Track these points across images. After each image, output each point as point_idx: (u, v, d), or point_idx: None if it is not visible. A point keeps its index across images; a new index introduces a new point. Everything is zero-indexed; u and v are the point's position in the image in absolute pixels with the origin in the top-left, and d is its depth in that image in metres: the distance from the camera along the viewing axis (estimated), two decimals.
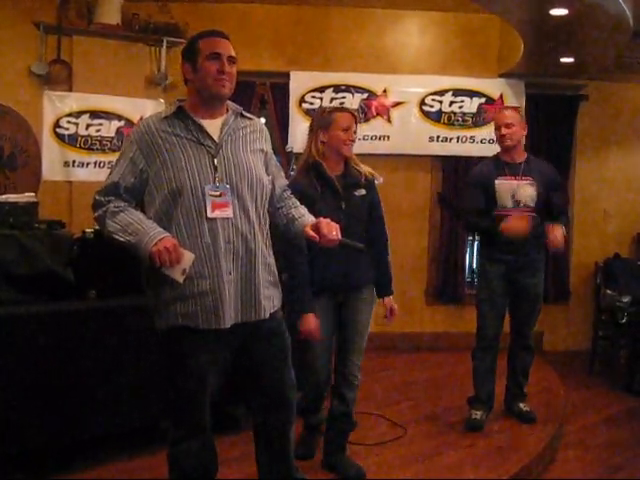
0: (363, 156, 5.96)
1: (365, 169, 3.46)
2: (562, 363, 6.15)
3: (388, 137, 6.26)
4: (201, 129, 2.56)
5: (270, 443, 2.78)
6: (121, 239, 2.48)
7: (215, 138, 2.57)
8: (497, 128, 4.33)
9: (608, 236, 6.70)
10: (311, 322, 3.26)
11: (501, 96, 6.33)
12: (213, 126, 2.59)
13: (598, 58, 5.70)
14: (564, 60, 5.68)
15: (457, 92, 6.31)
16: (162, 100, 6.00)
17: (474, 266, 6.77)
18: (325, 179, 3.31)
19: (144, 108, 5.91)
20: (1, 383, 3.22)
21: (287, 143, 6.02)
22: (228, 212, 2.53)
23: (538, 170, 4.33)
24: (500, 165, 4.31)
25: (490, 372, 4.38)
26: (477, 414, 4.30)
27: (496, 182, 4.24)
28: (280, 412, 2.75)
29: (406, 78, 6.29)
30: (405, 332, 6.42)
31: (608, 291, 6.09)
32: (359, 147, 6.06)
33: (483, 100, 6.30)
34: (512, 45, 5.77)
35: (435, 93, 6.30)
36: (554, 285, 6.58)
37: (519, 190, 4.23)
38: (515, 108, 4.54)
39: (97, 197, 2.56)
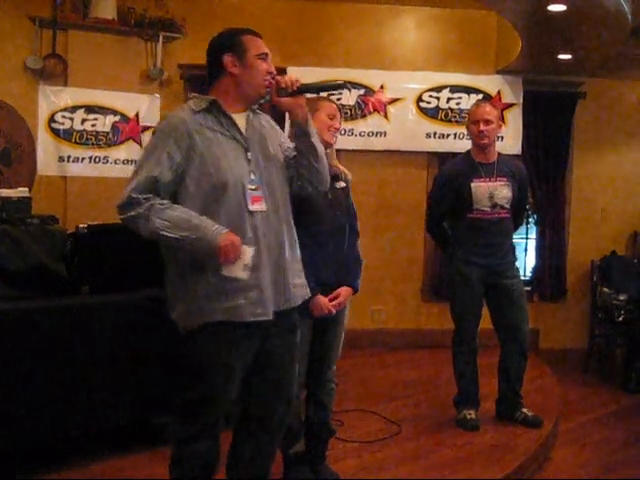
0: (360, 152, 6.05)
1: (339, 165, 3.36)
2: (558, 361, 6.14)
3: (385, 133, 6.24)
4: (234, 123, 2.56)
5: (263, 439, 2.72)
6: (174, 236, 2.40)
7: (243, 131, 2.58)
8: (474, 123, 4.17)
9: (605, 234, 6.69)
10: (323, 302, 3.14)
11: (499, 93, 6.31)
12: (240, 120, 2.59)
13: (596, 55, 5.68)
14: (562, 57, 5.66)
15: (454, 88, 6.29)
16: (157, 95, 5.97)
17: None
18: None
19: (140, 103, 5.90)
20: None
21: None
22: (263, 205, 2.55)
23: (511, 170, 4.25)
24: (474, 165, 4.20)
25: (475, 373, 4.33)
26: (471, 414, 4.26)
27: (472, 185, 4.14)
28: (284, 406, 2.73)
29: (403, 74, 6.27)
30: (401, 329, 6.42)
31: (604, 289, 6.09)
32: (356, 143, 6.14)
33: (480, 97, 6.25)
34: (510, 41, 5.75)
35: (432, 89, 6.28)
36: (550, 283, 6.57)
37: (496, 192, 4.15)
38: (494, 104, 4.44)
39: (133, 195, 2.42)
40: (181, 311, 2.54)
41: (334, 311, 3.19)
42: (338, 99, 6.03)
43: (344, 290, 3.24)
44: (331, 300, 3.19)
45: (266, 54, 2.58)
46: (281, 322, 2.62)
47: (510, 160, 4.39)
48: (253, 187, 2.52)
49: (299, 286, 2.69)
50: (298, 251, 2.72)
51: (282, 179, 2.66)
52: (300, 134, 2.64)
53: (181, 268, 2.52)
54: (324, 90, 2.77)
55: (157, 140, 2.50)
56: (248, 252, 2.45)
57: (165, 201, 2.44)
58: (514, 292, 4.25)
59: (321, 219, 3.16)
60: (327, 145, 3.22)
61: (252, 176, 2.53)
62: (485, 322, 4.36)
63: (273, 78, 2.56)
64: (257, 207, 2.52)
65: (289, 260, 2.63)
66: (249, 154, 2.56)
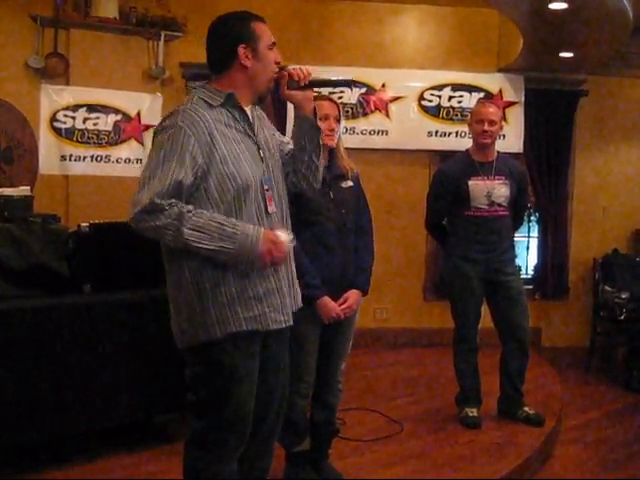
0: (361, 151, 6.04)
1: (349, 163, 3.32)
2: (560, 359, 6.14)
3: (386, 132, 6.24)
4: (247, 119, 2.42)
5: (261, 439, 2.61)
6: (209, 247, 2.21)
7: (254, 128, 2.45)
8: (478, 122, 4.18)
9: (607, 232, 6.68)
10: (330, 305, 3.11)
11: (500, 91, 6.30)
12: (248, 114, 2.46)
13: (598, 53, 5.68)
14: (563, 55, 5.66)
15: (456, 87, 6.29)
16: (159, 94, 5.97)
17: None
18: None
19: (141, 102, 5.90)
20: None
21: (284, 136, 5.98)
22: (274, 206, 2.43)
23: (509, 168, 4.27)
24: (472, 164, 4.21)
25: (476, 371, 4.32)
26: (473, 411, 4.27)
27: (469, 183, 4.16)
28: (280, 406, 2.64)
29: (405, 73, 6.26)
30: (403, 327, 6.42)
31: (606, 287, 6.08)
32: (358, 142, 6.13)
33: (482, 95, 6.25)
34: (511, 40, 5.75)
35: (434, 88, 6.28)
36: (552, 281, 6.57)
37: (494, 190, 4.17)
38: (497, 104, 4.50)
39: (157, 200, 2.17)
40: (196, 322, 2.33)
41: (343, 315, 3.16)
42: (339, 97, 6.03)
43: (353, 294, 3.20)
44: (340, 305, 3.15)
45: (274, 43, 2.45)
46: None
47: (509, 159, 4.41)
48: (266, 187, 2.39)
49: (299, 287, 2.60)
50: None
51: (282, 176, 2.53)
52: (309, 129, 2.51)
53: (196, 276, 2.31)
54: (334, 85, 2.65)
55: (177, 138, 2.24)
56: (285, 238, 2.32)
57: (190, 207, 2.23)
58: (513, 289, 4.26)
59: (324, 218, 3.13)
60: (327, 148, 3.19)
61: (266, 175, 2.40)
62: (487, 321, 4.37)
63: (282, 69, 2.44)
64: (272, 208, 2.40)
65: (292, 260, 2.54)
66: (261, 152, 2.42)
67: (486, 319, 4.36)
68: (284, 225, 2.48)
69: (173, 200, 2.20)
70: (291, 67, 2.45)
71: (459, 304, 4.30)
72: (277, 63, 2.45)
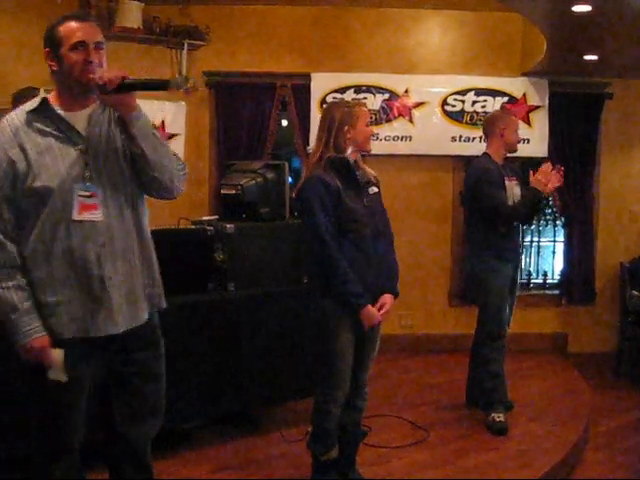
0: (385, 157, 6.03)
1: (369, 170, 3.36)
2: (588, 365, 6.06)
3: (410, 137, 6.22)
4: (66, 123, 2.34)
5: (134, 456, 2.56)
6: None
7: (82, 131, 2.35)
8: (516, 131, 4.37)
9: (634, 236, 6.60)
10: (373, 312, 3.16)
11: (524, 95, 6.26)
12: (79, 118, 2.37)
13: (623, 55, 5.61)
14: (588, 58, 5.60)
15: (479, 91, 6.26)
16: (183, 103, 6.01)
17: None
18: (350, 175, 3.20)
19: (165, 111, 5.93)
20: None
21: (308, 144, 6.01)
22: (97, 214, 2.32)
23: (514, 171, 4.44)
24: (499, 166, 4.31)
25: (503, 372, 4.36)
26: (500, 417, 4.23)
27: (507, 183, 4.27)
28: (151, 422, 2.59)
29: (428, 78, 6.25)
30: (428, 334, 6.39)
31: (634, 292, 6.01)
32: (381, 148, 6.12)
33: (506, 99, 6.22)
34: (535, 43, 5.71)
35: (457, 93, 6.25)
36: (579, 286, 6.50)
37: (513, 191, 4.29)
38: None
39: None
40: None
41: (381, 320, 3.21)
42: None
43: (389, 298, 3.24)
44: (378, 309, 3.19)
45: (81, 42, 2.32)
46: (138, 332, 2.47)
47: (509, 163, 4.52)
48: (87, 194, 2.31)
49: (145, 300, 2.51)
50: (154, 258, 2.53)
51: (133, 182, 2.43)
52: (127, 137, 2.39)
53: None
54: (148, 89, 2.50)
55: None
56: (57, 355, 2.28)
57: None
58: (517, 288, 4.50)
59: (361, 225, 3.17)
60: (366, 153, 3.33)
61: (87, 182, 2.32)
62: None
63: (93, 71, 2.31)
64: (88, 216, 2.30)
65: (140, 269, 2.45)
66: (87, 156, 2.33)
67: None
68: (127, 233, 2.40)
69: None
70: (99, 72, 2.29)
71: (497, 303, 4.29)
72: (90, 63, 2.32)
